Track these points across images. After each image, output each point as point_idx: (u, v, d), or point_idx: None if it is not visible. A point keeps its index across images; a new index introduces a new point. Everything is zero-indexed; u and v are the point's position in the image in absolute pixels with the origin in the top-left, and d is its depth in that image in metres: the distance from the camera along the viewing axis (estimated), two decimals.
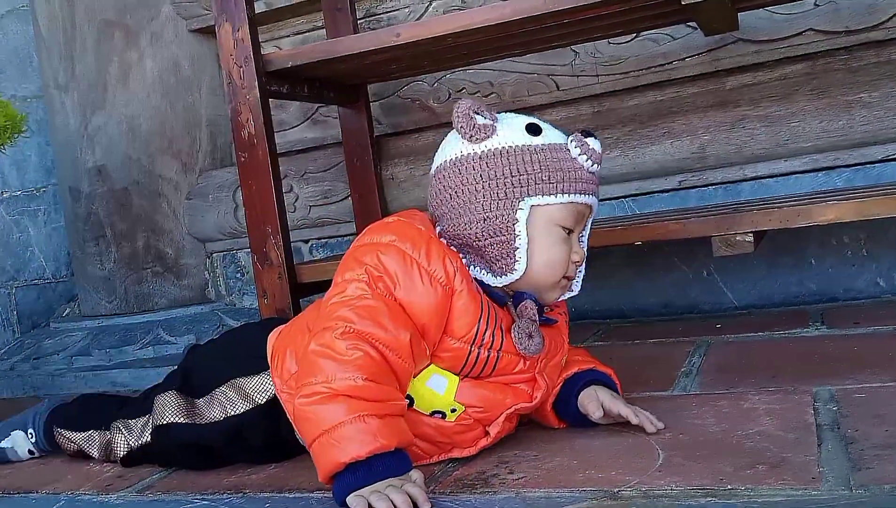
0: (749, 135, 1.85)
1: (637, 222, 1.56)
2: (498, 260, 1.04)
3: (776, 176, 1.86)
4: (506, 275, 1.04)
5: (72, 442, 1.26)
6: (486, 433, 1.07)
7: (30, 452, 1.33)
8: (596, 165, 1.06)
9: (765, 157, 1.85)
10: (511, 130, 1.05)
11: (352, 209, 2.14)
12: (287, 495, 1.04)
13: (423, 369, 1.03)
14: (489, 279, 1.05)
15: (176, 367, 1.26)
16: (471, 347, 1.02)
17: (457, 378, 1.04)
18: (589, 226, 1.12)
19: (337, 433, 0.92)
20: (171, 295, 2.37)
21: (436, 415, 1.04)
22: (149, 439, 1.17)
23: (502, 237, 1.03)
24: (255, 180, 1.70)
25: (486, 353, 1.03)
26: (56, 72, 2.38)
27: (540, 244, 1.04)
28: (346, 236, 2.21)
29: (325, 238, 2.26)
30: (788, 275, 1.88)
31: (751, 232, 1.42)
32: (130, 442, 1.18)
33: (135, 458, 1.19)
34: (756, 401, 1.15)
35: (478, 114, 1.05)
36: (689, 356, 1.50)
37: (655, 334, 1.77)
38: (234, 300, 2.36)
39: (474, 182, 1.03)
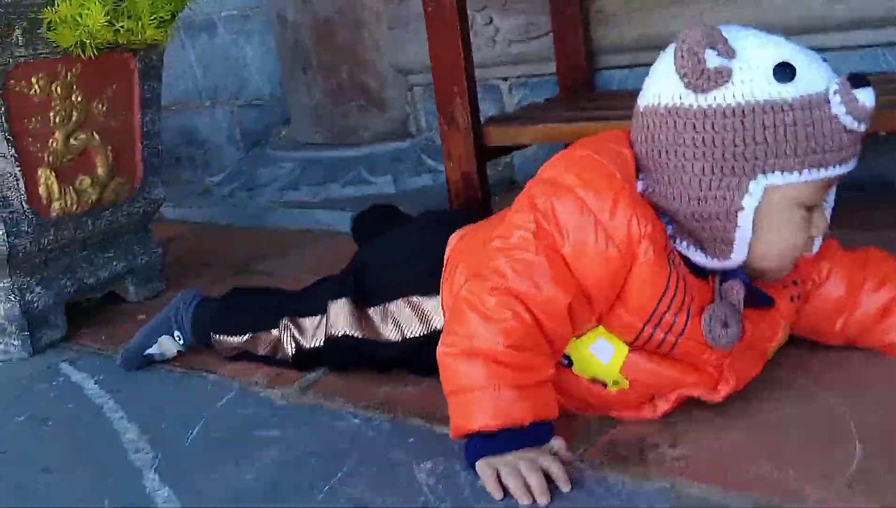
0: None
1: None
2: (710, 243, 0.86)
3: None
4: (718, 260, 0.87)
5: (232, 348, 1.22)
6: (653, 404, 0.94)
7: (178, 353, 1.28)
8: (863, 125, 0.81)
9: None
10: (754, 75, 0.80)
11: (553, 47, 1.93)
12: (435, 428, 0.99)
13: (589, 330, 0.91)
14: (699, 258, 0.88)
15: (347, 266, 1.22)
16: (644, 325, 0.87)
17: (626, 348, 0.90)
18: (838, 180, 0.88)
19: (470, 396, 0.85)
20: (374, 128, 2.34)
21: (596, 382, 0.93)
22: (321, 344, 1.13)
23: (719, 223, 0.84)
24: (441, 33, 1.56)
25: (663, 335, 0.88)
26: None
27: (770, 231, 0.85)
28: (546, 75, 2.03)
29: (524, 77, 2.08)
30: None
31: None
32: (302, 343, 1.15)
33: (306, 356, 1.16)
34: None
35: (712, 49, 0.80)
36: None
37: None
38: (434, 137, 2.28)
39: (693, 146, 0.83)
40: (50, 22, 1.33)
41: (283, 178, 2.27)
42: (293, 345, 1.16)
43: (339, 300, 1.12)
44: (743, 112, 0.80)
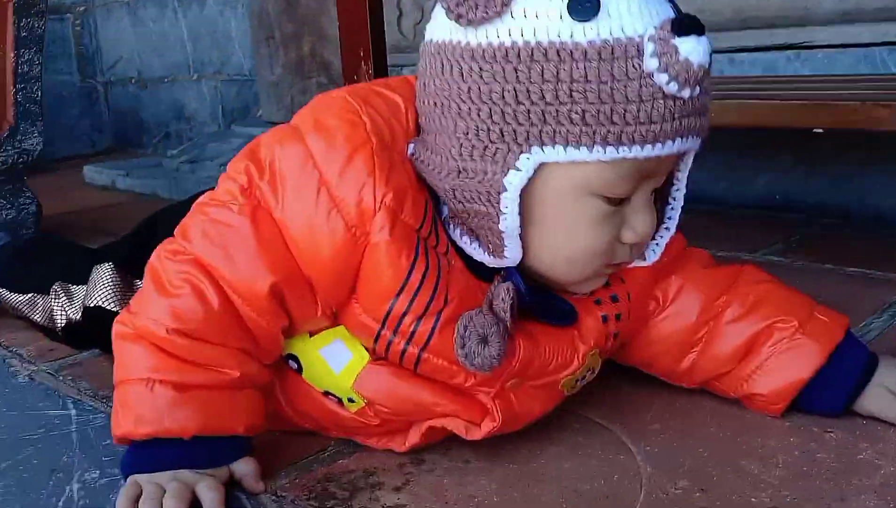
0: None
1: (831, 96, 1.00)
2: (482, 232, 0.62)
3: None
4: (497, 258, 0.63)
5: (13, 307, 1.04)
6: (405, 435, 0.71)
7: None
8: (687, 90, 0.56)
9: None
10: (541, 7, 0.56)
11: None
12: None
13: (325, 328, 0.68)
14: (476, 253, 0.64)
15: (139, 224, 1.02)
16: (380, 329, 0.64)
17: (366, 358, 0.67)
18: (685, 168, 0.65)
19: (123, 391, 0.64)
20: None
21: (330, 397, 0.70)
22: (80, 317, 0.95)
23: (481, 207, 0.60)
24: None
25: (403, 345, 0.64)
26: None
27: (552, 227, 0.61)
28: None
29: None
30: None
31: None
32: (69, 313, 0.96)
33: (75, 333, 0.97)
34: None
35: None
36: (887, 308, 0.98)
37: (873, 254, 1.21)
38: None
39: (458, 98, 0.59)
40: None
41: (227, 154, 2.09)
42: (63, 316, 0.97)
43: (104, 265, 0.93)
44: (519, 56, 0.56)
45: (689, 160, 0.63)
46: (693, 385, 0.77)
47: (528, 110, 0.57)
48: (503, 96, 0.57)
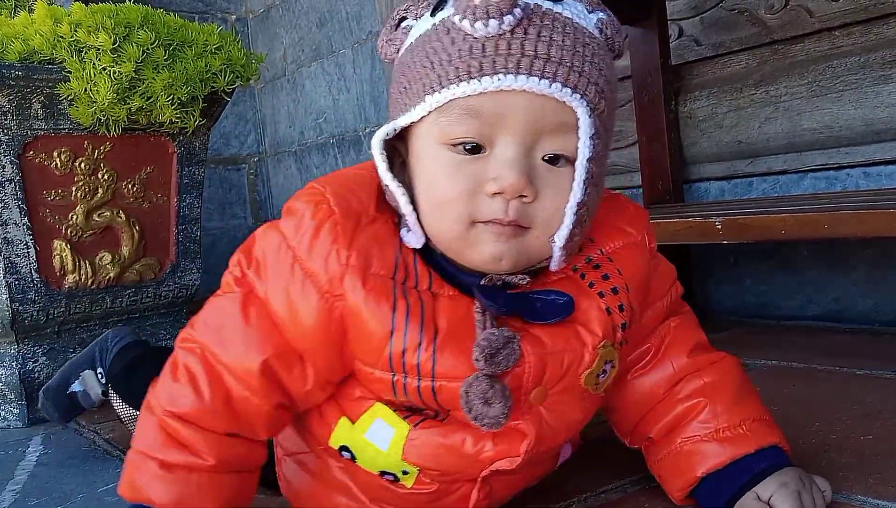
0: None
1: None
2: (401, 211, 0.69)
3: None
4: (413, 232, 0.68)
5: (120, 419, 1.11)
6: (466, 500, 0.73)
7: (103, 394, 1.13)
8: (481, 24, 0.61)
9: None
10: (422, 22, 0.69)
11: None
12: None
13: (365, 411, 0.71)
14: (410, 239, 0.68)
15: None
16: (392, 376, 0.67)
17: (407, 427, 0.70)
18: (584, 146, 0.63)
19: (131, 455, 0.69)
20: None
21: (386, 476, 0.73)
22: None
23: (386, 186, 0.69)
24: None
25: (416, 382, 0.67)
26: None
27: (423, 182, 0.67)
28: (635, 187, 1.82)
29: (617, 189, 1.88)
30: None
31: None
32: None
33: None
34: None
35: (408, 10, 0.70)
36: None
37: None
38: None
39: None
40: (72, 99, 1.38)
41: None
42: None
43: None
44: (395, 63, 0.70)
45: (584, 135, 0.63)
46: (634, 446, 0.81)
47: (392, 94, 0.68)
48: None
